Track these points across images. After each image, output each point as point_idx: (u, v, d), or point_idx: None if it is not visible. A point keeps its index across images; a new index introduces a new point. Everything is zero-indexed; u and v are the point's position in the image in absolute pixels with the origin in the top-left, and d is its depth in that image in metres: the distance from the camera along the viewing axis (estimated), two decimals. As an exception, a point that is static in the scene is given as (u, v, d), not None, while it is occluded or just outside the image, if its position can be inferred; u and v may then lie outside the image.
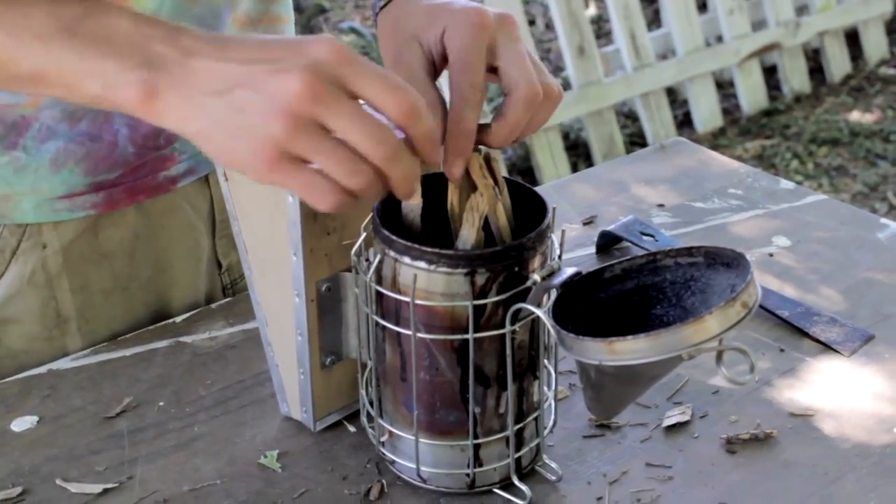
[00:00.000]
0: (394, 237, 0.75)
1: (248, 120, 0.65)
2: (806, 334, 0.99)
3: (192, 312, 1.04)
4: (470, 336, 0.76)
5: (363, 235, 0.80)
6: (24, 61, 0.70)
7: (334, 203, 0.67)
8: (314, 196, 0.67)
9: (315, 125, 0.65)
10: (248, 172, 0.67)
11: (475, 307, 0.75)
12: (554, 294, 0.75)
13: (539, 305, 0.75)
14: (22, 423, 0.90)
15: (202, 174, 1.05)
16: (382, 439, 0.83)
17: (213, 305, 1.05)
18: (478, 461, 0.81)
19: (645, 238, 1.11)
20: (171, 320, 1.03)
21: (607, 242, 1.12)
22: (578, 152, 3.41)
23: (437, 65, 0.80)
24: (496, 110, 0.78)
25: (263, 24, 1.02)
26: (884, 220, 1.17)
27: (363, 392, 0.85)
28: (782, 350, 0.97)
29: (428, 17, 0.80)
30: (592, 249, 1.12)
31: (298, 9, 4.27)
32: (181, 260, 1.05)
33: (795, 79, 3.81)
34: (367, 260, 0.79)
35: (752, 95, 3.69)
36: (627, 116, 3.63)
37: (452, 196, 0.77)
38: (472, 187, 0.76)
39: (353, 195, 0.67)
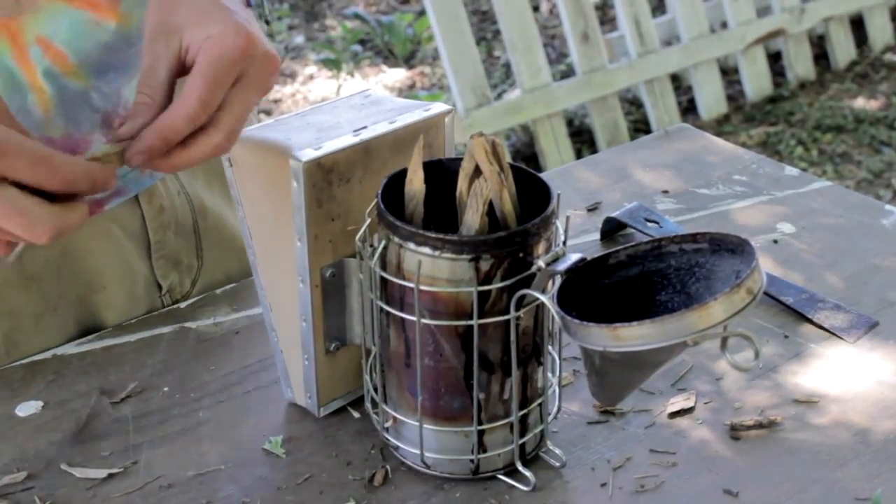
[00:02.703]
0: (398, 223, 0.75)
1: None
2: (810, 321, 0.99)
3: (196, 298, 1.04)
4: (474, 322, 0.76)
5: (367, 221, 0.79)
6: None
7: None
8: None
9: None
10: None
11: (479, 293, 0.75)
12: (558, 280, 0.75)
13: (543, 291, 0.75)
14: (27, 408, 0.90)
15: (130, 195, 0.99)
16: (386, 425, 0.84)
17: (218, 291, 1.05)
18: (482, 447, 0.81)
19: (649, 224, 1.11)
20: (175, 305, 1.03)
21: (612, 229, 1.12)
22: (582, 139, 3.40)
23: (186, 64, 0.76)
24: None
25: None
26: (888, 207, 1.17)
27: (367, 378, 0.85)
28: (787, 336, 0.97)
29: (203, 15, 0.75)
30: (597, 236, 1.12)
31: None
32: (113, 283, 1.01)
33: (800, 65, 3.79)
34: (372, 246, 0.79)
35: (756, 82, 3.68)
36: (632, 103, 3.62)
37: (462, 184, 0.77)
38: (477, 173, 0.76)
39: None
